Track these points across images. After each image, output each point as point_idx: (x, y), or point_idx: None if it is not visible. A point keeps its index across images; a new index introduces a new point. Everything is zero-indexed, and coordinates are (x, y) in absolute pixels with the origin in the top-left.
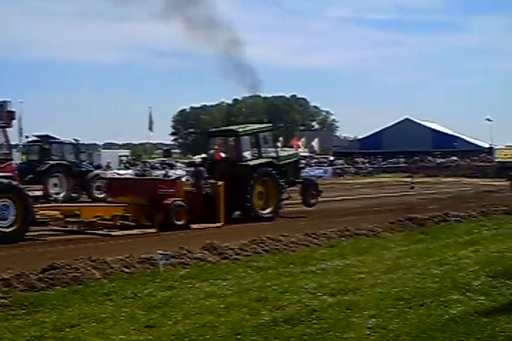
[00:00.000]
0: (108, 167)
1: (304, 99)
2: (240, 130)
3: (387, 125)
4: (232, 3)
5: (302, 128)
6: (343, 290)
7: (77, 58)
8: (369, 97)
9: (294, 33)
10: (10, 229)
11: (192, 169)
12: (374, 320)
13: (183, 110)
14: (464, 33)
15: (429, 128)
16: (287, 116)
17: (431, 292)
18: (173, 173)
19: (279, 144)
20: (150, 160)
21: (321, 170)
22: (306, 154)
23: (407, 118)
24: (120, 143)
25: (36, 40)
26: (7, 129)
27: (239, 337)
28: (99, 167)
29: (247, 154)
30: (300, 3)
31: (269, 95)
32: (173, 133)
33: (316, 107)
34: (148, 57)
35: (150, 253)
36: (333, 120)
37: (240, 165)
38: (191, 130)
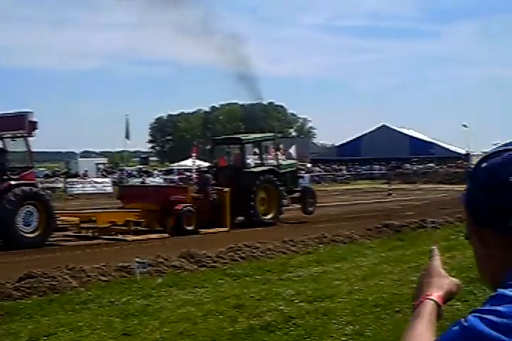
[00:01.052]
0: (85, 175)
1: (281, 106)
2: (244, 138)
3: (365, 132)
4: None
5: (280, 135)
6: (320, 297)
7: (53, 66)
8: (345, 104)
9: (269, 40)
10: (34, 234)
11: (196, 176)
12: (351, 326)
13: (160, 117)
14: (437, 40)
15: (407, 134)
16: (264, 123)
17: (407, 298)
18: (150, 181)
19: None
20: (127, 168)
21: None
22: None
23: (384, 125)
24: (98, 151)
25: (13, 48)
26: (29, 138)
27: None
28: (76, 175)
29: (250, 161)
30: (274, 10)
31: (246, 102)
32: (150, 141)
33: (293, 114)
34: (124, 66)
35: (127, 261)
36: (311, 127)
37: (244, 172)
38: (168, 137)
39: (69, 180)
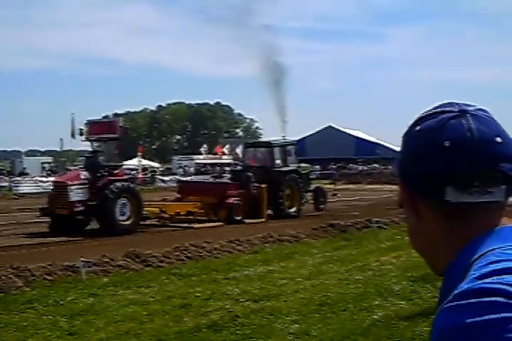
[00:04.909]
0: (25, 173)
1: (228, 106)
2: (274, 142)
3: (311, 132)
4: (156, 11)
5: (226, 135)
6: (266, 296)
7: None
8: (291, 105)
9: (218, 40)
10: (128, 222)
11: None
12: (297, 325)
13: (106, 116)
14: (382, 42)
15: (352, 135)
16: (211, 123)
17: (353, 297)
18: None
19: (203, 151)
20: (73, 168)
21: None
22: (231, 161)
23: (330, 126)
24: (43, 149)
25: None
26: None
27: None
28: (22, 174)
29: (277, 162)
30: (224, 11)
31: (193, 102)
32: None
33: (240, 114)
34: (70, 65)
35: (72, 260)
36: (257, 127)
37: (273, 171)
38: None
39: (14, 179)
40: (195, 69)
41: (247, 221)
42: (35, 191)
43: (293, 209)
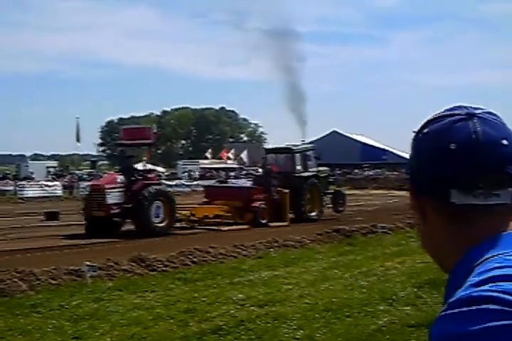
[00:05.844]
0: (31, 178)
1: (232, 111)
2: (295, 148)
3: (315, 138)
4: (156, 14)
5: (231, 140)
6: (271, 301)
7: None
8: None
9: (220, 44)
10: (162, 224)
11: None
12: (301, 330)
13: (111, 121)
14: (383, 45)
15: (358, 140)
16: (216, 128)
17: (358, 303)
18: None
19: (208, 155)
20: (77, 172)
21: (251, 182)
22: (235, 166)
23: (334, 131)
24: (48, 154)
25: None
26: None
27: None
28: (26, 178)
29: (298, 168)
30: (225, 15)
31: (197, 107)
32: (100, 144)
33: (244, 119)
34: (72, 68)
35: (77, 265)
36: (262, 132)
37: (294, 177)
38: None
39: (19, 183)
40: (197, 72)
41: (271, 224)
42: (40, 195)
43: (313, 213)
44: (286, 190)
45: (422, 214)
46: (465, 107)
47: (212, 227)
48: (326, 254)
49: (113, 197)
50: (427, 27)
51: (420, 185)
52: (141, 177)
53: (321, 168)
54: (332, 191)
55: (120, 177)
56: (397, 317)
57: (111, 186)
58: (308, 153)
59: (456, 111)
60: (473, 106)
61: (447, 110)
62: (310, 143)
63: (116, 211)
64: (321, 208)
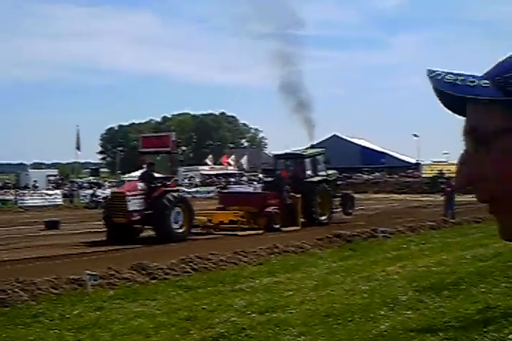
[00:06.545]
0: (35, 186)
1: (233, 116)
2: (305, 154)
3: (316, 142)
4: (156, 21)
5: (231, 145)
6: (272, 307)
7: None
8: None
9: (220, 49)
10: (181, 230)
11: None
12: (303, 337)
13: (111, 128)
14: (385, 49)
15: (358, 144)
16: (216, 133)
17: (359, 308)
18: (102, 192)
19: (208, 161)
20: (78, 180)
21: (252, 188)
22: (236, 171)
23: (334, 135)
24: (48, 162)
25: None
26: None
27: None
28: (26, 187)
29: (308, 172)
30: (225, 19)
31: (197, 113)
32: (100, 152)
33: (245, 125)
34: (72, 76)
35: (78, 274)
36: (262, 137)
37: (305, 182)
38: (120, 148)
39: (20, 192)
40: (198, 77)
41: (284, 229)
42: (40, 204)
43: (324, 217)
44: (298, 195)
45: None
46: None
47: (228, 233)
48: (326, 259)
49: (134, 204)
50: (429, 29)
51: None
52: (160, 184)
53: (330, 172)
54: (341, 194)
55: (141, 185)
56: (399, 322)
57: (132, 193)
58: (317, 157)
59: None
60: None
61: None
62: (312, 146)
63: (137, 218)
64: (331, 211)
